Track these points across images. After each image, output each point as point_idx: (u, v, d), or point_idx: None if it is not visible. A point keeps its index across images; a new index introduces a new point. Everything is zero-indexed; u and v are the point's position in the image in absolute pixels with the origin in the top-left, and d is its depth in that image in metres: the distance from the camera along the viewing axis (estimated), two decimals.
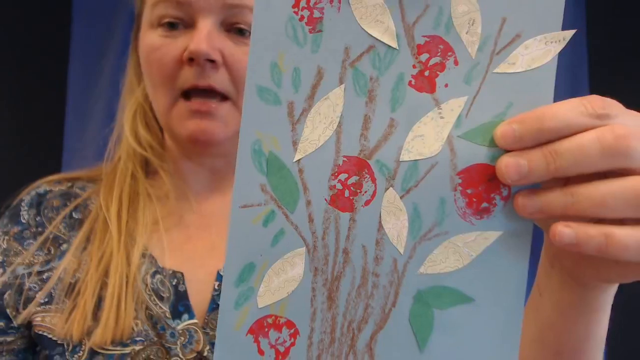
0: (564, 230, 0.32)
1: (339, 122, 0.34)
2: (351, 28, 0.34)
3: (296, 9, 0.34)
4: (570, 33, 0.33)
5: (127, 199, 0.62)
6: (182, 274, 0.59)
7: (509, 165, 0.32)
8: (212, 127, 0.59)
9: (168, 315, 0.56)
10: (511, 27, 0.33)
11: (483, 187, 0.33)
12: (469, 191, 0.34)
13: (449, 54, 0.34)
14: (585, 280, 0.39)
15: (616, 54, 1.86)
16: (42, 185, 0.67)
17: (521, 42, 0.33)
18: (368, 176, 0.34)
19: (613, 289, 0.40)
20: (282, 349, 0.35)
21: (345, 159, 0.34)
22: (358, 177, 0.34)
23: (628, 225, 0.31)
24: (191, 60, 0.57)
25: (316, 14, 0.34)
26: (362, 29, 0.34)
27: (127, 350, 0.54)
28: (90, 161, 0.70)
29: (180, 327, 0.56)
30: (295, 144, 0.34)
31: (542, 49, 0.33)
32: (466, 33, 0.34)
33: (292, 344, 0.35)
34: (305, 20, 0.34)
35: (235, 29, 0.59)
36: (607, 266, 0.36)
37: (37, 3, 1.83)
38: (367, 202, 0.34)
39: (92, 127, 1.77)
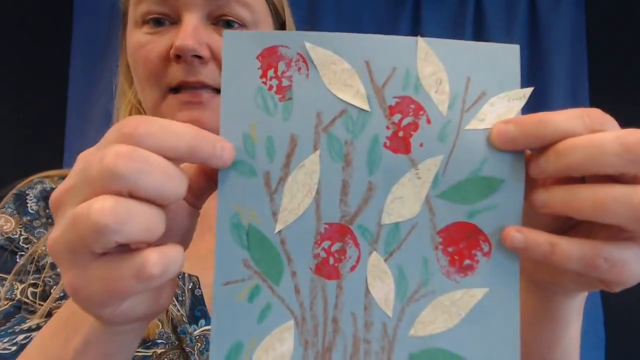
0: (514, 235, 0.34)
1: (317, 189, 0.35)
2: (321, 94, 0.35)
3: (264, 79, 0.35)
4: (529, 90, 0.35)
5: None
6: (197, 277, 0.59)
7: (529, 165, 0.34)
8: (204, 117, 0.58)
9: (185, 319, 0.56)
10: (476, 86, 0.35)
11: (464, 245, 0.35)
12: (450, 249, 0.35)
13: (421, 113, 0.35)
14: (545, 286, 0.41)
15: (616, 54, 1.87)
16: (45, 181, 0.67)
17: (487, 100, 0.35)
18: (351, 242, 0.35)
19: (576, 301, 0.42)
20: None
21: (326, 226, 0.35)
22: (341, 244, 0.35)
23: (574, 238, 0.33)
24: (178, 57, 0.57)
25: (285, 82, 0.35)
26: (332, 93, 0.35)
27: (149, 352, 0.54)
28: None
29: (197, 332, 0.56)
30: (275, 214, 0.35)
31: (505, 105, 0.35)
32: (435, 92, 0.35)
33: None
34: (274, 89, 0.35)
35: (222, 22, 0.59)
36: (561, 272, 0.38)
37: (38, 4, 1.86)
38: (352, 268, 0.35)
39: (92, 128, 1.79)
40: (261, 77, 0.35)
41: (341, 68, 0.35)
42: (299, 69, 0.35)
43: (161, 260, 0.31)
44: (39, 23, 1.85)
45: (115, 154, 0.30)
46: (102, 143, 0.32)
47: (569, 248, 0.33)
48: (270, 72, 0.35)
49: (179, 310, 0.57)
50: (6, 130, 1.82)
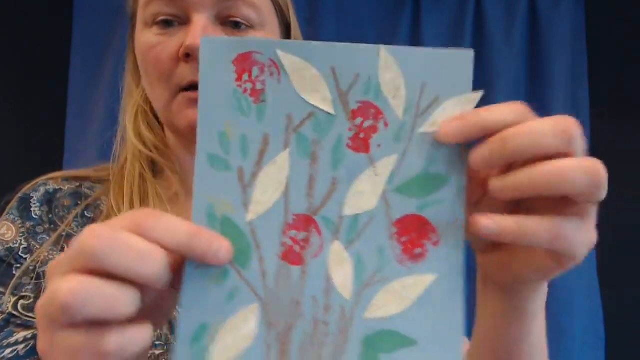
0: (484, 221, 0.37)
1: (287, 184, 0.39)
2: (292, 97, 0.39)
3: (239, 83, 0.39)
4: (478, 95, 0.39)
5: (138, 199, 0.64)
6: None
7: (475, 155, 0.38)
8: None
9: None
10: (430, 91, 0.39)
11: (415, 235, 0.39)
12: (403, 239, 0.39)
13: (380, 116, 0.39)
14: (509, 286, 0.44)
15: (616, 54, 1.89)
16: (49, 182, 0.68)
17: (440, 104, 0.39)
18: (315, 231, 0.39)
19: (539, 296, 0.46)
20: None
21: (294, 217, 0.39)
22: (306, 233, 0.39)
23: (532, 216, 0.36)
24: (188, 56, 0.60)
25: (258, 86, 0.39)
26: (302, 97, 0.39)
27: (147, 354, 0.56)
28: (91, 162, 0.73)
29: None
30: (247, 206, 0.39)
31: (457, 109, 0.39)
32: (393, 98, 0.39)
33: None
34: (249, 92, 0.39)
35: (231, 23, 0.62)
36: (525, 265, 0.41)
37: (38, 4, 1.88)
38: (315, 254, 0.39)
39: (92, 128, 1.80)
40: (236, 80, 0.39)
41: (310, 74, 0.39)
42: (272, 74, 0.39)
43: (118, 339, 0.33)
44: (39, 23, 1.88)
45: (93, 234, 0.33)
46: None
47: (537, 225, 0.36)
48: (245, 76, 0.39)
49: (177, 312, 0.59)
50: (6, 130, 1.85)
